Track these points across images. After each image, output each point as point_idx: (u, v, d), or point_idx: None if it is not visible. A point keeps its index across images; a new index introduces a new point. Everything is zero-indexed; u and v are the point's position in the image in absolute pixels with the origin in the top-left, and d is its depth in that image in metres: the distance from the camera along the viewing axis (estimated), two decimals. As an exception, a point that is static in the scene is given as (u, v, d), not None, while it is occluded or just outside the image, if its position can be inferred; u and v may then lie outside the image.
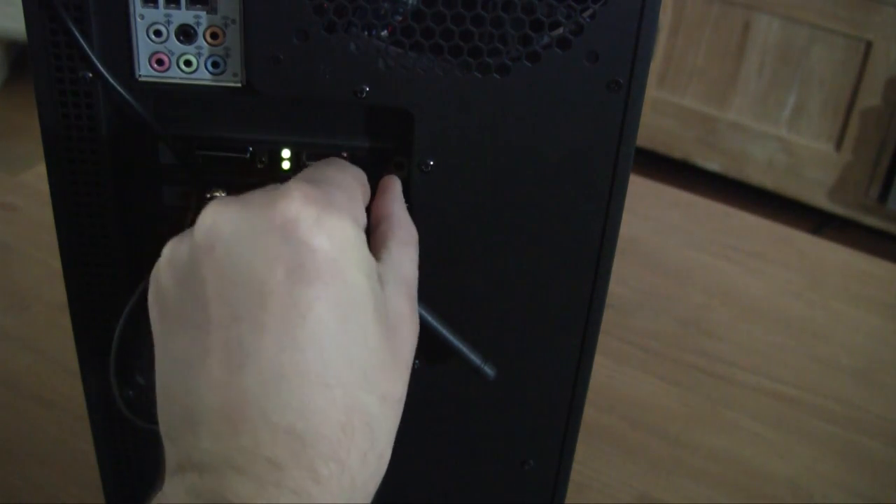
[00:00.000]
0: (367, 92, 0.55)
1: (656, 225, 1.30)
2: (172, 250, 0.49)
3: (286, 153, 0.60)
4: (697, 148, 2.39)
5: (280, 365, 0.45)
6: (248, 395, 0.44)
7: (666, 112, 2.37)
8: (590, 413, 0.68)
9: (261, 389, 0.44)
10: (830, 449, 0.99)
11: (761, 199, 2.34)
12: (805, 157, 2.29)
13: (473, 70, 0.55)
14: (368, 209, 0.56)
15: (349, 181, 0.52)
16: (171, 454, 0.47)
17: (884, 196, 2.23)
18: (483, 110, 0.56)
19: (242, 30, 0.54)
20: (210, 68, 0.56)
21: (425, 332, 0.62)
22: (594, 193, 0.59)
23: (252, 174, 0.60)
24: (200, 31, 0.55)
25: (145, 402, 0.64)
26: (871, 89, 2.16)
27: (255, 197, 0.48)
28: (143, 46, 0.56)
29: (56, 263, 0.62)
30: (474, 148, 0.57)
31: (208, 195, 0.60)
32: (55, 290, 0.99)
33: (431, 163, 0.58)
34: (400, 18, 0.55)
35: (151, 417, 0.52)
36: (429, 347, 0.64)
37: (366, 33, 0.54)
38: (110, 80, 0.56)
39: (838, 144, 2.25)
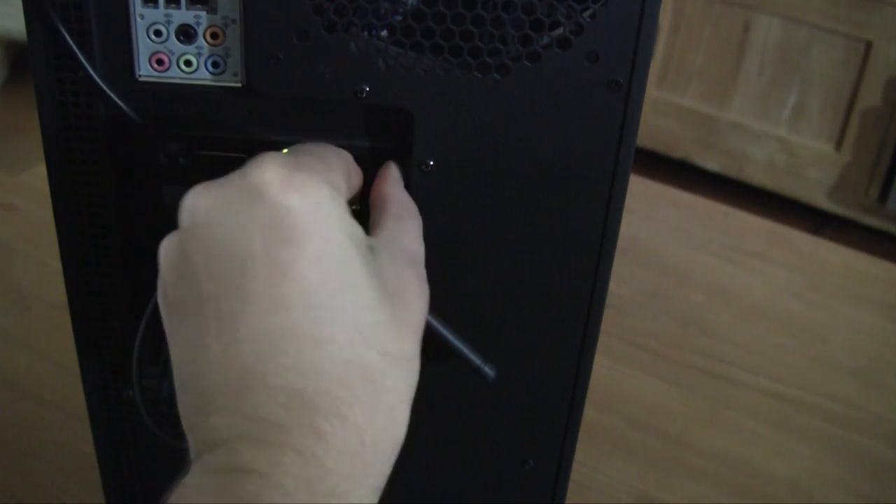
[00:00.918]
0: (367, 92, 0.55)
1: (656, 225, 1.30)
2: (165, 245, 0.50)
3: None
4: (697, 148, 2.39)
5: (270, 328, 0.45)
6: (246, 363, 0.44)
7: (666, 112, 2.37)
8: (590, 413, 0.68)
9: (256, 355, 0.44)
10: (830, 449, 0.99)
11: (761, 199, 2.34)
12: (805, 157, 2.29)
13: (473, 70, 0.55)
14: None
15: (326, 153, 0.53)
16: (191, 446, 0.47)
17: (884, 196, 2.23)
18: (483, 110, 0.56)
19: (242, 30, 0.54)
20: (210, 68, 0.56)
21: (425, 333, 0.62)
22: (594, 193, 0.59)
23: None
24: (200, 31, 0.55)
25: (166, 409, 0.64)
26: (871, 89, 2.16)
27: (231, 174, 0.48)
28: (144, 46, 0.56)
29: (56, 263, 0.62)
30: (474, 148, 0.57)
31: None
32: (55, 290, 0.99)
33: (431, 163, 0.58)
34: (400, 18, 0.55)
35: (172, 429, 0.52)
36: (429, 348, 0.64)
37: (366, 33, 0.54)
38: (102, 85, 0.56)
39: (838, 144, 2.25)
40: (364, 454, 0.45)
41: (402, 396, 0.48)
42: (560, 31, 0.54)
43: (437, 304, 0.62)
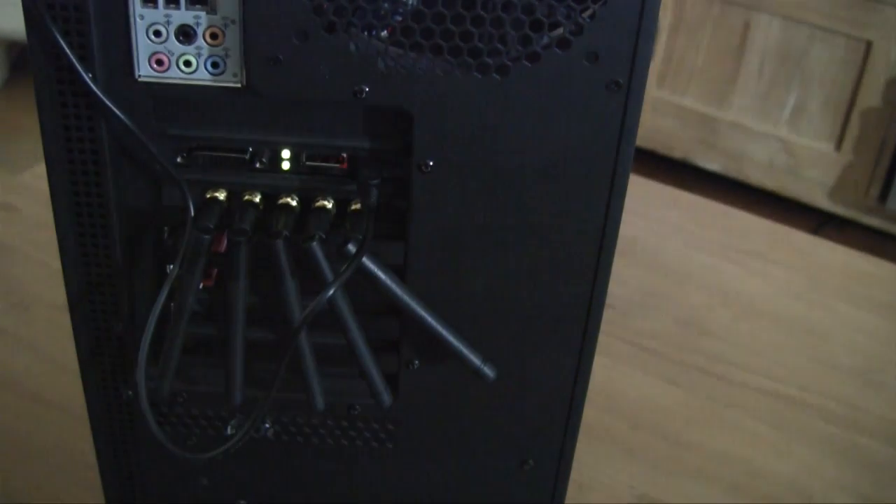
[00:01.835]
0: (367, 92, 0.55)
1: (656, 225, 1.30)
2: None
3: (286, 153, 0.60)
4: (697, 148, 2.38)
5: None
6: None
7: (666, 112, 2.37)
8: (590, 413, 0.68)
9: None
10: (830, 449, 0.99)
11: (761, 199, 2.34)
12: (805, 157, 2.29)
13: (473, 70, 0.55)
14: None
15: None
16: None
17: (884, 196, 2.23)
18: (483, 110, 0.56)
19: (242, 30, 0.54)
20: (210, 68, 0.56)
21: (425, 334, 0.62)
22: (594, 193, 0.59)
23: (252, 175, 0.60)
24: (200, 31, 0.55)
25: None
26: (872, 89, 2.16)
27: None
28: (143, 47, 0.56)
29: (56, 263, 0.62)
30: (474, 148, 0.57)
31: (208, 195, 0.60)
32: (55, 291, 0.99)
33: (431, 163, 0.58)
34: (400, 19, 0.55)
35: (172, 429, 0.51)
36: (428, 348, 0.64)
37: (365, 34, 0.54)
38: (102, 97, 0.56)
39: (838, 144, 2.25)
40: None
41: None
42: (560, 31, 0.54)
43: (437, 305, 0.62)
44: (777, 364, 1.09)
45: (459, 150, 0.57)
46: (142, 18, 0.55)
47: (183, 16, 0.55)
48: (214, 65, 0.56)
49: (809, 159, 2.29)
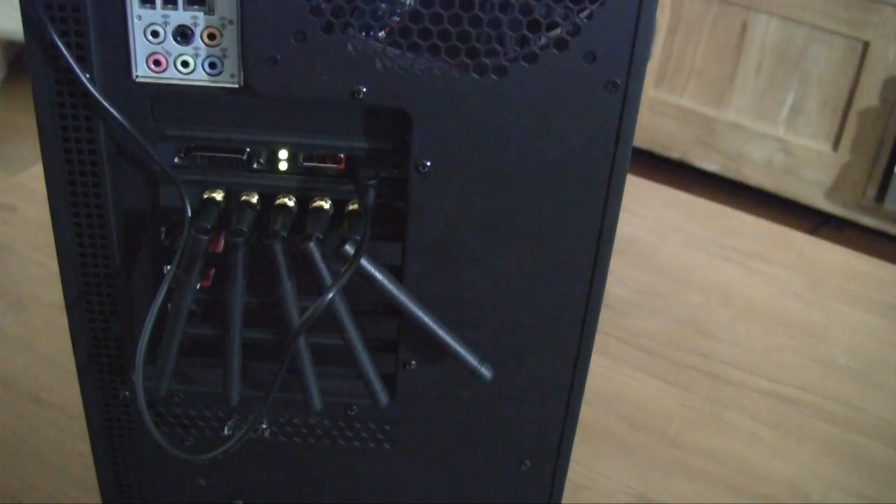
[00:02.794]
0: (365, 93, 0.55)
1: (654, 225, 1.30)
2: None
3: (283, 154, 0.60)
4: (696, 148, 2.39)
5: None
6: None
7: (664, 112, 2.37)
8: (588, 413, 0.68)
9: None
10: (829, 449, 0.99)
11: (759, 199, 2.34)
12: (803, 157, 2.29)
13: (471, 71, 0.55)
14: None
15: None
16: None
17: (881, 196, 2.23)
18: (480, 111, 0.56)
19: (240, 30, 0.54)
20: (207, 69, 0.56)
21: (422, 334, 0.62)
22: (591, 193, 0.59)
23: (249, 175, 0.60)
24: (198, 31, 0.55)
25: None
26: (869, 89, 2.16)
27: None
28: (141, 47, 0.56)
29: (53, 264, 0.62)
30: (472, 148, 0.57)
31: (205, 196, 0.60)
32: (53, 291, 0.99)
33: (429, 163, 0.58)
34: (397, 19, 0.55)
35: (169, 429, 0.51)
36: (426, 349, 0.64)
37: (363, 34, 0.54)
38: (99, 98, 0.56)
39: (836, 144, 2.25)
40: None
41: None
42: (557, 31, 0.54)
43: (434, 305, 0.62)
44: (775, 364, 1.09)
45: (457, 151, 0.57)
46: (139, 19, 0.55)
47: (181, 16, 0.55)
48: (212, 65, 0.56)
49: (807, 159, 2.29)
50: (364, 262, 0.58)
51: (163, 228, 0.62)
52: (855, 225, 2.33)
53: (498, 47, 0.54)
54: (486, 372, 0.63)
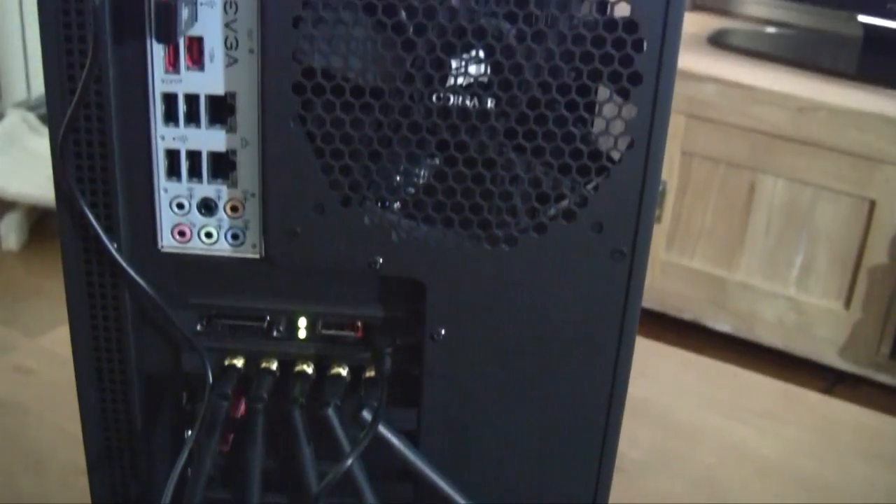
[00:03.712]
0: (381, 263, 0.57)
1: (667, 386, 1.30)
2: None
3: (303, 322, 0.61)
4: (708, 309, 2.39)
5: None
6: None
7: (675, 274, 2.39)
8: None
9: None
10: None
11: (773, 359, 2.34)
12: (814, 315, 2.30)
13: (483, 241, 0.56)
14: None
15: None
16: None
17: (895, 353, 2.22)
18: (492, 280, 0.57)
19: (261, 203, 0.56)
20: (230, 240, 0.58)
21: (438, 499, 0.62)
22: (601, 357, 0.60)
23: (269, 343, 0.62)
24: (221, 203, 0.57)
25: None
26: (878, 247, 2.19)
27: None
28: (166, 218, 0.58)
29: (71, 427, 0.63)
30: (485, 316, 0.58)
31: (226, 362, 0.61)
32: (70, 453, 0.99)
33: (443, 331, 0.59)
34: (412, 192, 0.57)
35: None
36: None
37: (379, 206, 0.56)
38: (128, 269, 0.58)
39: (847, 302, 2.26)
40: None
41: None
42: (565, 203, 0.56)
43: (449, 467, 0.62)
44: (792, 525, 1.08)
45: (470, 319, 0.59)
46: (166, 192, 0.57)
47: (205, 189, 0.57)
48: (234, 236, 0.58)
49: (819, 317, 2.29)
50: (381, 428, 0.59)
51: (184, 393, 0.63)
52: (870, 382, 2.31)
53: (509, 219, 0.56)
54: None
